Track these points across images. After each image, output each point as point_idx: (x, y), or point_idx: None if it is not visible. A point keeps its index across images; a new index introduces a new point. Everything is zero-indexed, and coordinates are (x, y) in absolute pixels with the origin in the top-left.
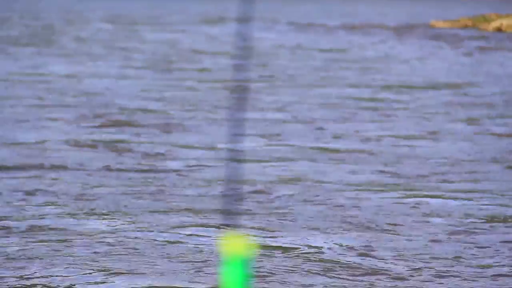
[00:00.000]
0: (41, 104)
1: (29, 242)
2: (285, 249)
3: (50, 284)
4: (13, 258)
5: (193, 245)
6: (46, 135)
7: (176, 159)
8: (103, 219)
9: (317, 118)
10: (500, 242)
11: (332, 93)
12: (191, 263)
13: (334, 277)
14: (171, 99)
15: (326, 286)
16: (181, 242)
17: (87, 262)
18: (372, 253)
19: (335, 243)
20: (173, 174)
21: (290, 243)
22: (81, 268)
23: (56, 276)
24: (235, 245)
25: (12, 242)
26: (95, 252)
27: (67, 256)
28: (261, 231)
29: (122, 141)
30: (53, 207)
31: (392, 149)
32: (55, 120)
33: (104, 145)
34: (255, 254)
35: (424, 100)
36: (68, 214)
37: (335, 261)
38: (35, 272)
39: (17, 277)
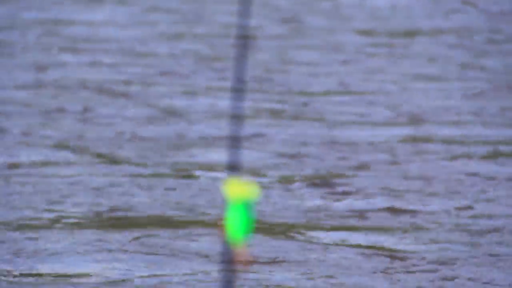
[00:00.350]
0: (49, 48)
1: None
2: (283, 180)
3: (34, 216)
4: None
5: (197, 187)
6: (54, 76)
7: (180, 103)
8: (104, 159)
9: (321, 62)
10: (493, 172)
11: (338, 39)
12: (194, 203)
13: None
14: (177, 46)
15: (318, 214)
16: (187, 178)
17: (87, 196)
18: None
19: (333, 181)
20: (177, 117)
21: (290, 175)
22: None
23: (40, 207)
24: (239, 188)
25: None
26: (92, 188)
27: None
28: (263, 170)
29: (127, 83)
30: (53, 148)
31: (396, 90)
32: (64, 64)
33: (111, 89)
34: (258, 196)
35: (426, 44)
36: (69, 158)
37: (330, 193)
38: (21, 210)
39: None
